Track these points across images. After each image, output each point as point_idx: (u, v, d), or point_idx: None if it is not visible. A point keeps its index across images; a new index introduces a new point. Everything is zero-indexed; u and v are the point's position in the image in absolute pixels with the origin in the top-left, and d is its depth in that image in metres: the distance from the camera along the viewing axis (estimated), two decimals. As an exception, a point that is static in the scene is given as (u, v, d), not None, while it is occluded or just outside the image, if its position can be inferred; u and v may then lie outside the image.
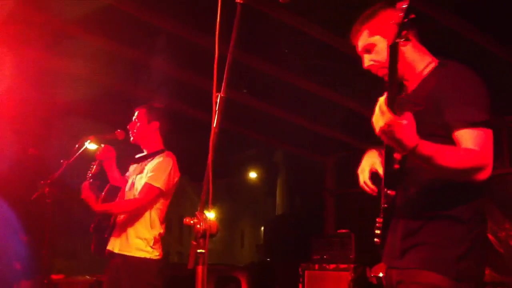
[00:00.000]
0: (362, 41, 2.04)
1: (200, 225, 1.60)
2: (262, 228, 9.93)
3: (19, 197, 5.22)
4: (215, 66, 1.73)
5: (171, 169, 3.60)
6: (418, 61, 1.98)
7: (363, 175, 2.06)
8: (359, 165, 2.11)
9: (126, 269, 3.47)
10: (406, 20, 1.53)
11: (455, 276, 1.80)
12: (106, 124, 5.36)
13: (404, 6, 1.54)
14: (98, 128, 4.33)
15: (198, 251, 1.61)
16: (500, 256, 5.27)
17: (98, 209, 3.50)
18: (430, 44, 2.06)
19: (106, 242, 3.62)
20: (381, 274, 4.11)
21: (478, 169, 1.72)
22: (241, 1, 1.79)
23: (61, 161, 3.64)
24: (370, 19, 2.03)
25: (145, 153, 3.78)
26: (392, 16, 1.62)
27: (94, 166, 3.56)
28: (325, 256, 5.32)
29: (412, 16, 1.53)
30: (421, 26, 1.99)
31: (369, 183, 2.04)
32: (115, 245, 3.55)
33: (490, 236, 5.37)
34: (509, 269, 5.18)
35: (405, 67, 1.97)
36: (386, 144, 1.75)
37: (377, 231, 1.96)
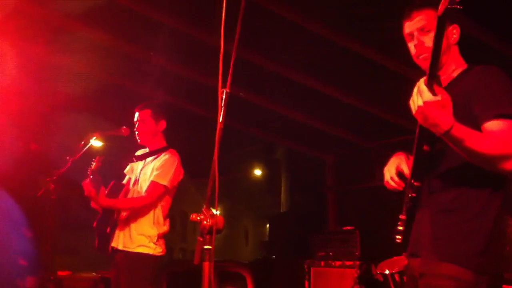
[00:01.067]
0: (422, 19, 2.00)
1: (206, 221, 1.59)
2: (267, 225, 9.91)
3: (21, 192, 5.23)
4: (220, 61, 1.71)
5: (176, 167, 3.60)
6: (454, 62, 2.02)
7: (389, 172, 2.08)
8: (386, 165, 2.14)
9: (125, 264, 3.48)
10: None
11: (477, 269, 1.82)
12: (108, 119, 5.36)
13: None
14: (100, 124, 4.32)
15: (205, 247, 1.59)
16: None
17: (103, 203, 3.48)
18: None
19: (109, 238, 3.61)
20: (387, 271, 4.09)
21: (506, 157, 1.73)
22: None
23: (67, 157, 3.63)
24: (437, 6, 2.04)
25: (147, 150, 3.77)
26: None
27: (94, 163, 3.49)
28: (330, 253, 5.31)
29: None
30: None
31: (396, 178, 2.05)
32: (119, 242, 3.55)
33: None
34: (510, 263, 5.15)
35: (445, 63, 1.99)
36: (421, 125, 1.77)
37: (400, 228, 1.97)
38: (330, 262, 5.17)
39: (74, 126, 4.72)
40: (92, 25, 4.56)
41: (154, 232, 3.53)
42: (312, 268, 5.31)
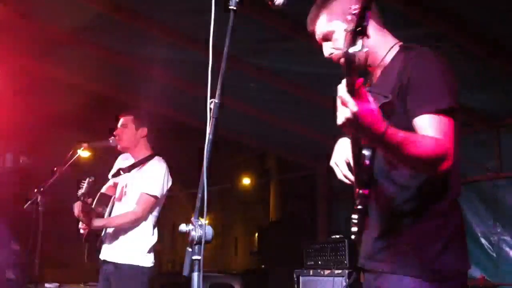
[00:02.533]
0: (320, 27, 1.90)
1: (195, 231, 1.60)
2: (256, 235, 9.90)
3: (10, 205, 5.18)
4: (209, 73, 1.73)
5: (164, 174, 3.59)
6: (381, 45, 1.85)
7: (341, 168, 1.83)
8: (332, 157, 1.90)
9: (117, 276, 3.46)
10: (359, 29, 1.31)
11: (434, 277, 1.68)
12: (98, 131, 5.35)
13: (355, 12, 1.32)
14: (90, 135, 4.32)
15: (193, 258, 1.60)
16: (492, 260, 5.29)
17: (94, 226, 3.47)
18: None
19: (99, 250, 3.60)
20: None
21: (441, 158, 1.58)
22: (235, 8, 1.79)
23: (54, 169, 3.62)
24: (328, 3, 1.88)
25: (132, 160, 3.75)
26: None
27: (85, 185, 3.46)
28: (319, 262, 5.31)
29: (366, 24, 1.31)
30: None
31: (349, 175, 1.80)
32: (108, 254, 3.53)
33: (482, 240, 5.39)
34: (501, 273, 5.19)
35: (368, 54, 1.84)
36: (353, 137, 1.62)
37: (354, 229, 1.78)
38: (319, 271, 5.17)
39: (65, 139, 4.70)
40: (83, 38, 4.56)
41: (144, 243, 3.51)
42: (301, 277, 5.31)
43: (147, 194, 3.50)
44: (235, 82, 4.86)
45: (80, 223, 3.58)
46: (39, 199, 3.60)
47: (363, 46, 1.32)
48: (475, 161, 5.35)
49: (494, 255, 5.28)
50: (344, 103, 1.44)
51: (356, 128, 1.46)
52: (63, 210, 3.79)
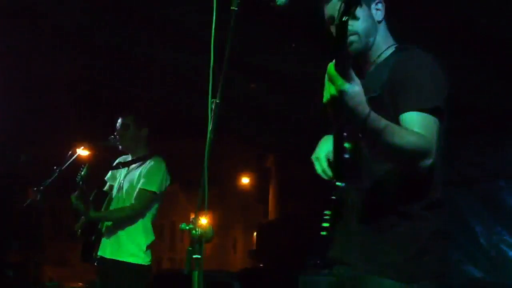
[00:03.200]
0: (331, 10, 1.87)
1: (195, 230, 1.61)
2: (255, 234, 9.91)
3: (11, 203, 5.19)
4: (211, 73, 1.74)
5: (163, 172, 3.60)
6: (383, 43, 1.90)
7: (320, 163, 1.85)
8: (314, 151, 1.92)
9: (117, 274, 3.46)
10: None
11: (410, 278, 1.66)
12: (98, 129, 5.36)
13: None
14: (90, 134, 4.32)
15: (194, 256, 1.61)
16: (491, 259, 5.31)
17: (92, 216, 3.48)
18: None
19: (94, 248, 3.60)
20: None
21: (422, 153, 1.58)
22: (236, 8, 1.80)
23: (54, 167, 3.63)
24: None
25: (129, 157, 3.76)
26: None
27: (81, 174, 3.49)
28: (318, 261, 5.32)
29: None
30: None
31: (328, 171, 1.82)
32: (106, 250, 3.53)
33: (482, 241, 5.40)
34: (500, 271, 5.21)
35: (374, 44, 1.88)
36: (335, 118, 1.58)
37: (325, 224, 1.74)
38: (318, 270, 5.18)
39: (66, 137, 4.71)
40: (84, 35, 4.57)
41: (143, 240, 3.52)
42: (300, 277, 5.31)
43: (145, 190, 3.51)
44: (236, 81, 4.87)
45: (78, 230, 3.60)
46: (38, 197, 3.61)
47: (354, 15, 1.36)
48: (476, 162, 5.37)
49: (494, 255, 5.29)
50: (331, 81, 1.44)
51: (339, 107, 1.45)
52: (63, 209, 3.80)
